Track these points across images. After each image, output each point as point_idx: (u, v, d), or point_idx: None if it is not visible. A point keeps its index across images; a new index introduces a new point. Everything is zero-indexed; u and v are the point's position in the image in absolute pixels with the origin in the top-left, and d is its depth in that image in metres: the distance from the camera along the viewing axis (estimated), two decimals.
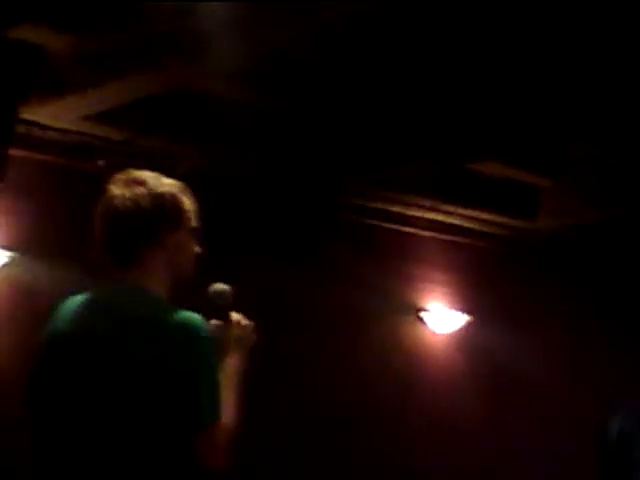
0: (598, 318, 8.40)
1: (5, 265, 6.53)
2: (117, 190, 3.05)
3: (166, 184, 3.10)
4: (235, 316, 3.21)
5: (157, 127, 6.44)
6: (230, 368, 3.10)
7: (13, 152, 5.63)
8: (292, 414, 7.34)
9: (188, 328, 2.91)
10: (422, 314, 8.27)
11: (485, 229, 8.22)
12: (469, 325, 8.29)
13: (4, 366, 6.30)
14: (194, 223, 3.15)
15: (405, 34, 5.02)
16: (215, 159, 6.77)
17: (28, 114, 5.95)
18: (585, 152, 6.97)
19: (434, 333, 8.29)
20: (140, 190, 3.04)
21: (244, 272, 6.23)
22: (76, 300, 3.07)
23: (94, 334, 2.97)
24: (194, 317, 2.94)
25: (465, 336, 8.29)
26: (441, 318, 8.28)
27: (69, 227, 6.37)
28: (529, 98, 5.81)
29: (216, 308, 3.22)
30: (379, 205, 7.77)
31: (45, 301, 6.16)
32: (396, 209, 7.84)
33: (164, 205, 3.05)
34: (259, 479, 7.04)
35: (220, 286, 3.23)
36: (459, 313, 8.31)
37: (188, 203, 3.13)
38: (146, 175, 3.10)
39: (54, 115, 6.19)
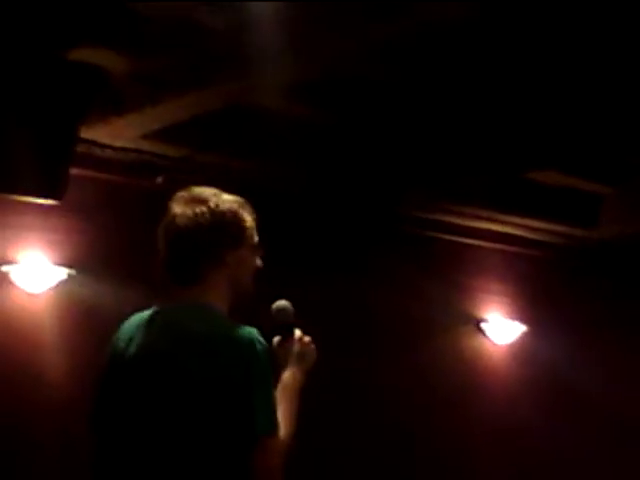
0: None
1: (63, 282, 6.61)
2: (178, 209, 3.07)
3: (227, 201, 3.11)
4: (298, 332, 3.24)
5: (215, 143, 6.48)
6: (288, 383, 3.12)
7: (73, 171, 5.70)
8: (354, 425, 7.34)
9: (244, 342, 2.93)
10: (481, 325, 8.24)
11: (545, 239, 8.17)
12: (528, 335, 8.24)
13: (62, 383, 6.37)
14: (255, 239, 3.17)
15: (460, 46, 5.01)
16: (274, 174, 6.80)
17: (88, 133, 6.02)
18: None
19: (493, 343, 8.26)
20: (201, 209, 3.05)
21: (304, 286, 6.25)
22: (137, 318, 3.11)
23: (152, 352, 3.00)
24: (250, 332, 2.96)
25: (524, 346, 8.25)
26: (500, 329, 8.24)
27: (128, 245, 6.45)
28: (589, 107, 5.77)
29: (279, 325, 3.25)
30: (438, 217, 7.76)
31: (102, 318, 6.28)
32: (455, 220, 7.82)
33: (225, 223, 3.07)
34: None
35: (282, 303, 3.27)
36: (518, 323, 8.27)
37: (249, 219, 3.15)
38: (207, 192, 3.11)
39: (113, 134, 6.26)
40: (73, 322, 6.58)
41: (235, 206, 3.12)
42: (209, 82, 5.47)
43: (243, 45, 4.93)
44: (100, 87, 5.45)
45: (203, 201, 3.07)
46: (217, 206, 3.07)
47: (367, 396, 7.45)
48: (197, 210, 3.05)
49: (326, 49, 4.95)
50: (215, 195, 3.11)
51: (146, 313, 3.11)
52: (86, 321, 6.48)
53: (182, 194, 3.11)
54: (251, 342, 2.93)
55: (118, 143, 6.43)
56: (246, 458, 2.87)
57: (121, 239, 6.56)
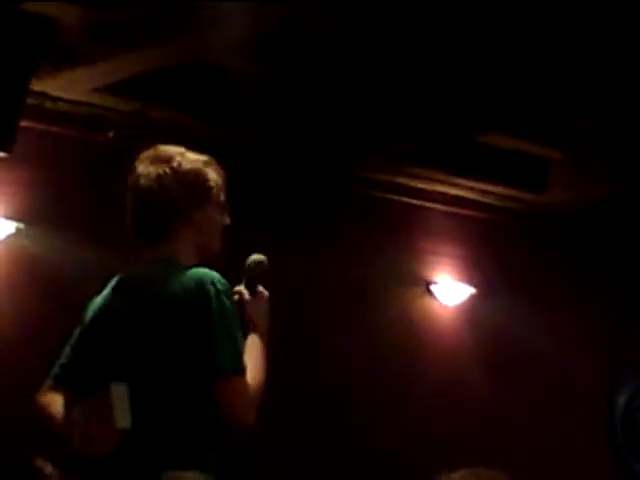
0: (605, 292, 8.42)
1: (11, 236, 6.57)
2: (143, 169, 3.10)
3: (191, 160, 3.14)
4: (260, 288, 3.27)
5: (167, 99, 6.45)
6: (259, 334, 3.16)
7: (23, 123, 5.65)
8: (299, 389, 7.35)
9: (202, 282, 3.00)
10: (431, 287, 8.29)
11: (494, 202, 8.22)
12: (477, 297, 8.30)
13: (7, 335, 6.33)
14: (222, 197, 3.20)
15: (414, 6, 5.02)
16: (225, 131, 6.78)
17: (39, 85, 5.96)
18: (596, 126, 6.96)
19: (443, 305, 8.32)
20: (164, 169, 3.09)
21: (253, 245, 6.24)
22: (111, 282, 3.17)
23: (113, 312, 3.09)
24: (206, 273, 3.02)
25: (473, 308, 8.31)
26: (450, 291, 8.30)
27: (78, 198, 6.41)
28: (539, 70, 5.80)
29: (252, 277, 3.27)
30: (389, 178, 7.77)
31: (51, 272, 6.22)
32: (406, 182, 7.84)
33: (189, 184, 3.11)
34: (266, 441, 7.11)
35: (259, 257, 3.32)
36: (467, 286, 8.33)
37: (214, 178, 3.19)
38: (171, 151, 3.14)
39: (65, 87, 6.20)
40: (21, 276, 6.54)
41: (199, 165, 3.15)
42: (163, 37, 5.44)
43: (198, 0, 4.91)
44: (52, 39, 5.40)
45: (167, 161, 3.11)
46: (180, 165, 3.11)
47: (313, 358, 7.47)
48: (160, 170, 3.08)
49: (281, 6, 4.93)
50: (180, 154, 3.14)
51: (118, 275, 3.17)
52: (34, 275, 6.44)
53: (147, 153, 3.15)
54: (203, 283, 2.98)
55: (69, 96, 6.38)
56: (211, 396, 2.95)
57: (71, 192, 6.51)
